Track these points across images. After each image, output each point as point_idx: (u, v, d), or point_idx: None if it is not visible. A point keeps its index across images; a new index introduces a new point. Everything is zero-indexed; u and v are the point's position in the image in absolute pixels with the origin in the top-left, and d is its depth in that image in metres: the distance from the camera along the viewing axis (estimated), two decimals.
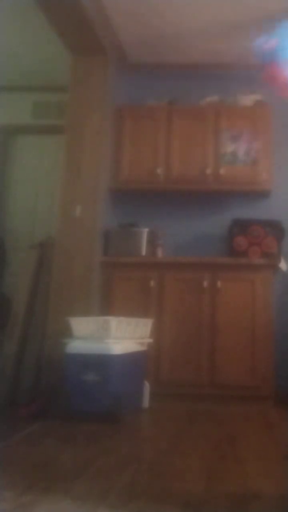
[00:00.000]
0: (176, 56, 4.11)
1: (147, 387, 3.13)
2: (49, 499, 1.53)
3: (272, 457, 2.10)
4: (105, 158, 3.67)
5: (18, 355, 3.30)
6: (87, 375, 2.72)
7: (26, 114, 4.59)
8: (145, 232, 3.70)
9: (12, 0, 3.43)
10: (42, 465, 1.90)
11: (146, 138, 3.85)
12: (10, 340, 3.33)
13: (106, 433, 2.45)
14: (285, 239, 3.69)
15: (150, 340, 3.19)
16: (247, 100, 3.92)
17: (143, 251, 3.65)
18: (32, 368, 3.26)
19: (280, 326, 3.63)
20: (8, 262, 4.28)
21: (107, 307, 3.46)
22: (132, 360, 2.94)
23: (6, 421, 2.71)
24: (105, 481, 1.71)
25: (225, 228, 3.80)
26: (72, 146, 3.58)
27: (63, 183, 3.56)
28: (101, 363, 2.72)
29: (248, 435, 2.52)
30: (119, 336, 2.87)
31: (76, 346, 2.83)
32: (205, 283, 3.47)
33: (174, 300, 3.48)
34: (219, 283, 3.46)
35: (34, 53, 4.08)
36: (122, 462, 1.97)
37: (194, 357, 3.39)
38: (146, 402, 3.10)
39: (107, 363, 2.73)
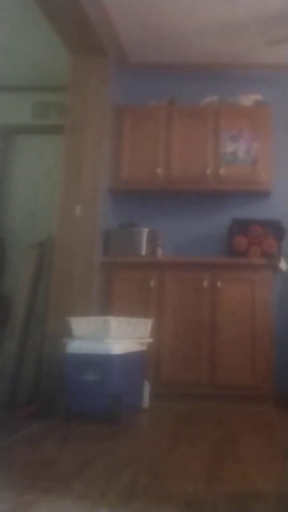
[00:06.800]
0: (176, 56, 4.11)
1: (147, 387, 3.13)
2: (49, 499, 1.52)
3: (272, 457, 2.10)
4: (105, 158, 3.67)
5: (18, 355, 3.30)
6: (87, 375, 2.72)
7: (26, 114, 4.59)
8: (145, 232, 3.70)
9: (12, 0, 3.43)
10: (42, 465, 1.90)
11: (146, 138, 3.85)
12: (10, 340, 3.33)
13: (106, 433, 2.44)
14: (285, 239, 3.70)
15: (150, 340, 3.19)
16: (247, 100, 3.92)
17: (143, 251, 3.65)
18: (32, 368, 3.26)
19: (280, 326, 3.63)
20: (8, 262, 4.28)
21: (107, 307, 3.46)
22: (132, 360, 2.94)
23: (6, 421, 2.71)
24: (105, 481, 1.71)
25: (225, 228, 3.80)
26: (72, 146, 3.58)
27: (63, 183, 3.55)
28: (101, 363, 2.72)
29: (248, 435, 2.52)
30: (119, 336, 2.87)
31: (76, 346, 2.83)
32: (205, 283, 3.47)
33: (174, 300, 3.48)
34: (219, 283, 3.46)
35: (34, 53, 4.08)
36: (122, 462, 1.97)
37: (194, 357, 3.39)
38: (146, 402, 3.10)
39: (107, 363, 2.73)
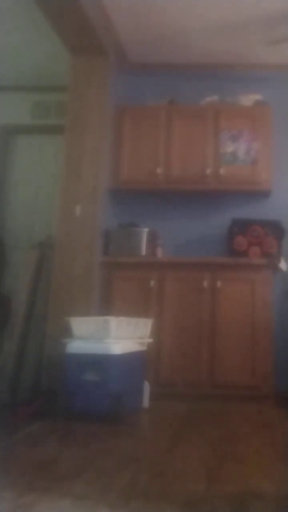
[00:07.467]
0: (176, 56, 4.11)
1: (147, 387, 3.13)
2: (49, 499, 1.52)
3: (272, 457, 2.10)
4: (105, 158, 3.67)
5: (18, 355, 3.30)
6: (87, 375, 2.72)
7: (25, 114, 4.59)
8: (145, 232, 3.70)
9: (12, 0, 3.43)
10: (42, 465, 1.90)
11: (146, 138, 3.85)
12: (10, 340, 3.33)
13: (106, 433, 2.44)
14: (285, 239, 3.69)
15: (150, 340, 3.19)
16: (247, 100, 3.92)
17: (143, 251, 3.65)
18: (32, 368, 3.26)
19: (280, 326, 3.63)
20: (8, 262, 4.28)
21: (107, 307, 3.46)
22: (132, 360, 2.94)
23: (6, 421, 2.71)
24: (105, 481, 1.71)
25: (225, 228, 3.80)
26: (72, 146, 3.58)
27: (63, 183, 3.55)
28: (101, 363, 2.72)
29: (248, 435, 2.52)
30: (119, 336, 2.87)
31: (76, 346, 2.83)
32: (205, 283, 3.47)
33: (174, 300, 3.48)
34: (219, 283, 3.46)
35: (34, 53, 4.09)
36: (122, 462, 1.97)
37: (194, 357, 3.39)
38: (146, 402, 3.10)
39: (107, 363, 2.72)
